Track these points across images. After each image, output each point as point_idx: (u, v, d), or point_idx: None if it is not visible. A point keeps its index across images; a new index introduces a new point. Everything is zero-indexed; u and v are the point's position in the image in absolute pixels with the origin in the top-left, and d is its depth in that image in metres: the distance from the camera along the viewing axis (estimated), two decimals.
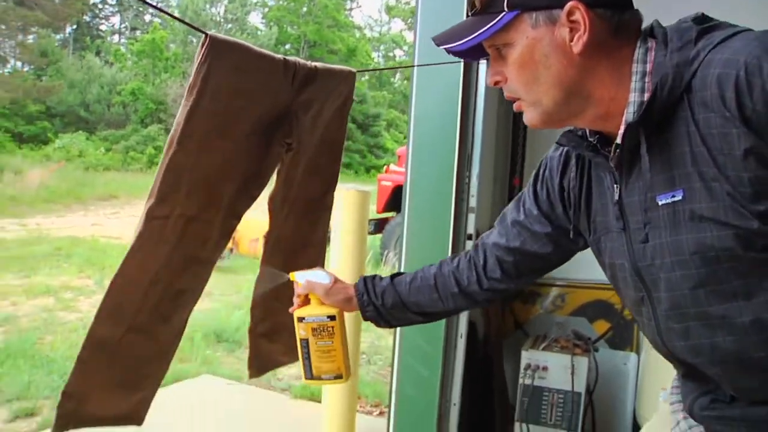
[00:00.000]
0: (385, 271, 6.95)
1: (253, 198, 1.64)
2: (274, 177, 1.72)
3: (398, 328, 2.73)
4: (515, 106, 0.98)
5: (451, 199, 2.48)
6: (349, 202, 2.92)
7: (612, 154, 0.93)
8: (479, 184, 2.52)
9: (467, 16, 0.97)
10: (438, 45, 0.97)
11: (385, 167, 9.25)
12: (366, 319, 1.35)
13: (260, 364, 1.91)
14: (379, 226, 7.71)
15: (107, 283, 1.43)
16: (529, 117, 0.96)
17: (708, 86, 0.79)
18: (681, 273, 0.87)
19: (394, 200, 7.34)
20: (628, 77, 0.89)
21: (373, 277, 1.35)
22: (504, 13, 0.90)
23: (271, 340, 1.95)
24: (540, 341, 2.96)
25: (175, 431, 3.23)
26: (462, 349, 2.79)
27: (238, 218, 1.63)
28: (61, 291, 6.54)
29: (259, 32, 31.85)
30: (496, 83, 0.97)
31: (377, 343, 5.17)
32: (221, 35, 1.38)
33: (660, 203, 0.87)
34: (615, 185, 0.96)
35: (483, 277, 1.25)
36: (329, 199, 1.94)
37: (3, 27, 23.93)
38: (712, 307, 0.86)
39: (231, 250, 8.07)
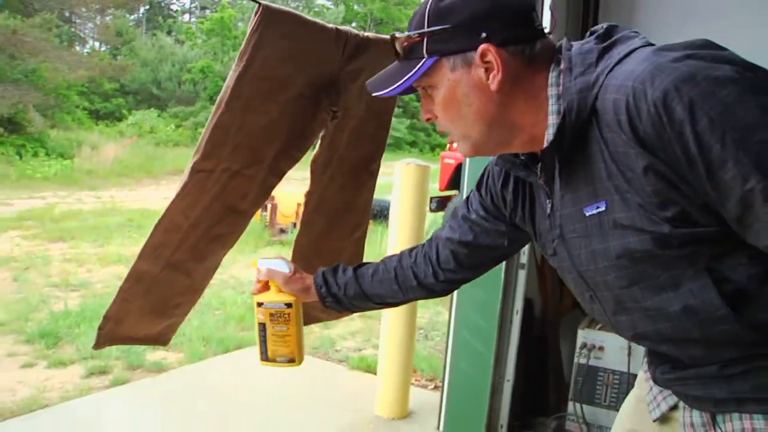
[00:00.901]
0: None
1: (296, 159, 1.71)
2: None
3: (454, 303, 2.76)
4: (448, 140, 1.08)
5: None
6: (408, 176, 2.93)
7: (539, 172, 1.02)
8: None
9: None
10: (371, 92, 1.05)
11: (448, 145, 9.17)
12: (326, 307, 1.42)
13: None
14: (441, 203, 7.63)
15: None
16: (462, 149, 1.04)
17: (607, 110, 0.86)
18: (614, 275, 0.96)
19: (457, 178, 7.25)
20: (545, 101, 0.95)
21: (335, 269, 1.40)
22: (424, 59, 0.97)
23: None
24: (597, 321, 2.92)
25: (236, 395, 3.36)
26: (517, 326, 2.78)
27: (280, 177, 1.70)
28: (133, 260, 6.77)
29: (326, 10, 31.98)
30: (428, 120, 1.04)
31: (435, 319, 5.20)
32: (274, 5, 1.42)
33: (587, 214, 0.95)
34: (547, 200, 1.04)
35: (438, 270, 1.32)
36: (375, 167, 1.98)
37: (84, 10, 24.87)
38: (648, 301, 0.95)
39: (294, 224, 8.23)
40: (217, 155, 1.51)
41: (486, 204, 1.23)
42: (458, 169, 7.38)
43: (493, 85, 0.94)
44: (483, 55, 0.93)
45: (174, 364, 3.93)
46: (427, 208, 5.94)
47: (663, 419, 1.13)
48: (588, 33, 0.97)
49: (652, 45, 0.88)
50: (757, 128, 0.76)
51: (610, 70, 0.87)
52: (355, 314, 3.11)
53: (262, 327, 1.40)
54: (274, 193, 1.88)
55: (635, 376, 2.72)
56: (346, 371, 3.83)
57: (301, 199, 7.12)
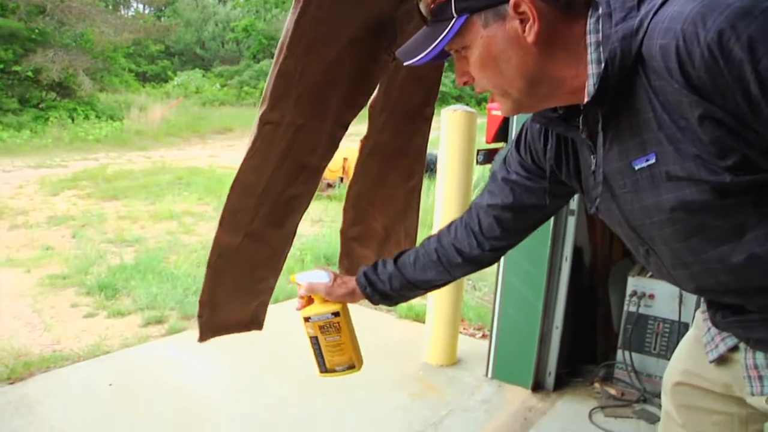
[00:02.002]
0: None
1: (359, 107, 1.66)
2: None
3: None
4: (490, 98, 0.99)
5: None
6: (455, 123, 2.89)
7: (581, 127, 0.95)
8: None
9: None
10: (403, 61, 1.00)
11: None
12: (376, 304, 1.40)
13: (350, 266, 1.97)
14: (488, 156, 7.51)
15: None
16: (504, 108, 0.99)
17: (654, 57, 0.79)
18: (670, 229, 0.91)
19: (505, 130, 7.12)
20: (585, 50, 0.89)
21: (375, 266, 1.37)
22: (454, 19, 0.92)
23: (362, 245, 2.01)
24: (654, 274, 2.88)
25: (286, 343, 3.44)
26: (567, 273, 2.77)
27: (345, 127, 1.67)
28: (183, 216, 7.00)
29: None
30: (465, 83, 1.00)
31: (483, 270, 5.20)
32: None
33: (636, 168, 0.89)
34: (592, 155, 0.98)
35: (483, 239, 1.27)
36: (429, 111, 1.94)
37: None
38: (708, 253, 0.90)
39: (341, 179, 8.28)
40: (283, 105, 1.47)
41: (526, 163, 1.18)
42: (505, 120, 7.24)
43: (530, 37, 0.87)
44: (516, 6, 0.87)
45: None
46: (474, 161, 5.82)
47: (721, 360, 1.10)
48: None
49: None
50: None
51: (655, 13, 0.80)
52: None
53: (315, 340, 1.38)
54: None
55: (686, 324, 2.71)
56: (394, 320, 3.87)
57: (348, 154, 7.11)
